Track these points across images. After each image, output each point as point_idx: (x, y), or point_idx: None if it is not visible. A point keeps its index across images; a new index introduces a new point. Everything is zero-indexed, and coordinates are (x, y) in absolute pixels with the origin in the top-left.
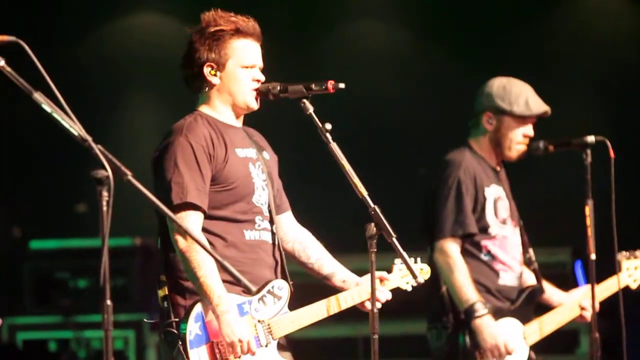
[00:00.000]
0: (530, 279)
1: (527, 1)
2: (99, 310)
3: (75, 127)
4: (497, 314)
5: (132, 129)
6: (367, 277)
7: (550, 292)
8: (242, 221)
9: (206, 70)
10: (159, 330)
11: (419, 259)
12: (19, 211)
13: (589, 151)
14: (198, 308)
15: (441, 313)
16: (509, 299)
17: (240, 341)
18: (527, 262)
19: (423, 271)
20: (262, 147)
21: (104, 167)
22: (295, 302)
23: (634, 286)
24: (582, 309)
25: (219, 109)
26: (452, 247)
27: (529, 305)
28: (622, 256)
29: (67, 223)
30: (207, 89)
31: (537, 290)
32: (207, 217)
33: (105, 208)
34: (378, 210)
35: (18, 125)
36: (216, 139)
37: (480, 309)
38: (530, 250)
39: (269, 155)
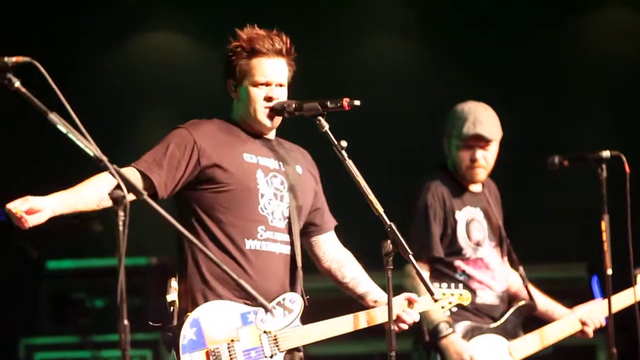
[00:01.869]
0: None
1: (541, 17)
2: (116, 330)
3: (90, 148)
4: (475, 331)
5: (148, 145)
6: (396, 297)
7: (550, 306)
8: (241, 228)
9: (228, 85)
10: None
11: (460, 285)
12: (35, 231)
13: (604, 166)
14: (195, 314)
15: (421, 333)
16: (490, 316)
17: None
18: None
19: (462, 297)
20: (293, 161)
21: (119, 188)
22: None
23: None
24: (584, 324)
25: (241, 120)
26: None
27: (516, 321)
28: (638, 271)
29: (83, 243)
30: (235, 100)
31: (527, 306)
32: (202, 221)
33: (121, 228)
34: (394, 227)
35: (37, 146)
36: (222, 137)
37: (444, 329)
38: (521, 268)
39: (302, 170)
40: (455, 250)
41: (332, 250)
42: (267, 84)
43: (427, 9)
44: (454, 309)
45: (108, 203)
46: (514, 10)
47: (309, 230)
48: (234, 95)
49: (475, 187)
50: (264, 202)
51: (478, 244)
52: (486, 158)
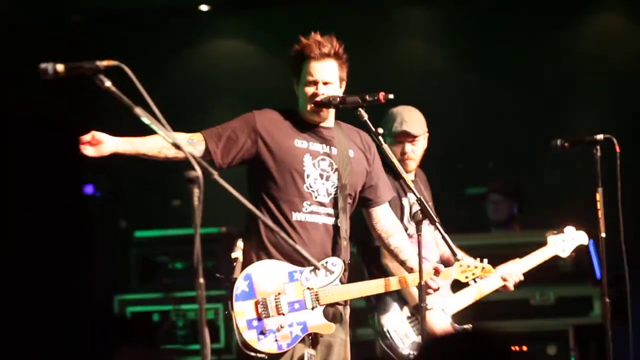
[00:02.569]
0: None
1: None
2: (193, 287)
3: (170, 135)
4: None
5: None
6: (426, 266)
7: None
8: (289, 203)
9: (293, 83)
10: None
11: (485, 260)
12: (126, 206)
13: (598, 147)
14: (249, 270)
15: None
16: None
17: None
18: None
19: (484, 270)
20: (346, 145)
21: (194, 169)
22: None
23: (564, 255)
24: (504, 280)
25: (300, 112)
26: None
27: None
28: (548, 234)
29: (166, 215)
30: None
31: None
32: (261, 196)
33: (196, 202)
34: (422, 199)
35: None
36: (280, 124)
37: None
38: (447, 236)
39: (354, 153)
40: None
41: (383, 221)
42: (315, 82)
43: (451, 15)
44: (477, 280)
45: (169, 152)
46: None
47: (365, 203)
48: (296, 91)
49: (410, 176)
50: (310, 181)
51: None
52: (414, 151)
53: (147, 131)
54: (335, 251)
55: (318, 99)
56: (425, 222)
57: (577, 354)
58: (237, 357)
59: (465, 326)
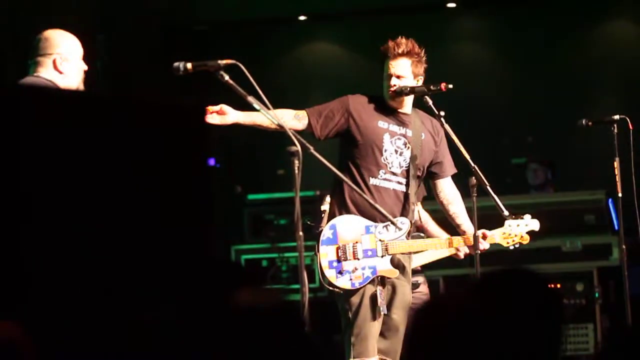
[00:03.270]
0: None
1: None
2: (294, 239)
3: (275, 119)
4: None
5: None
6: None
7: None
8: (368, 170)
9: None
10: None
11: (526, 224)
12: (239, 174)
13: (615, 125)
14: (334, 221)
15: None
16: None
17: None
18: None
19: (524, 238)
20: (420, 129)
21: (294, 144)
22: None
23: (505, 245)
24: (457, 250)
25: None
26: None
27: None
28: (507, 216)
29: (272, 182)
30: None
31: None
32: (347, 163)
33: (296, 171)
34: (477, 168)
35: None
36: (368, 108)
37: None
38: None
39: (425, 135)
40: None
41: (446, 191)
42: (391, 76)
43: (493, 22)
44: (516, 246)
45: (282, 122)
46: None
47: (432, 176)
48: (383, 84)
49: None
50: (386, 155)
51: None
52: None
53: None
54: (403, 213)
55: (392, 89)
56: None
57: (600, 290)
58: (329, 294)
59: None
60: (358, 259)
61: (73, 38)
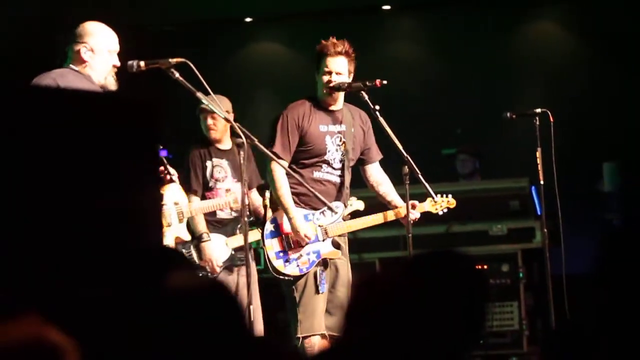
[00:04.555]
0: None
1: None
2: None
3: (222, 112)
4: None
5: (257, 119)
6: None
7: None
8: (313, 167)
9: (316, 74)
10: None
11: (450, 195)
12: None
13: (537, 118)
14: (274, 214)
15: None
16: None
17: (305, 235)
18: None
19: (450, 202)
20: (350, 123)
21: (239, 136)
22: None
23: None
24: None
25: (319, 97)
26: None
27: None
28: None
29: None
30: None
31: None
32: (297, 163)
33: (242, 161)
34: (409, 157)
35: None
36: (307, 116)
37: (205, 237)
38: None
39: (355, 128)
40: None
41: (375, 174)
42: (330, 72)
43: (427, 22)
44: (445, 210)
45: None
46: None
47: (361, 162)
48: (316, 79)
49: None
50: (329, 154)
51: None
52: (215, 125)
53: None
54: (338, 198)
55: (331, 85)
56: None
57: (524, 270)
58: (274, 278)
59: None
60: (302, 247)
61: (108, 32)
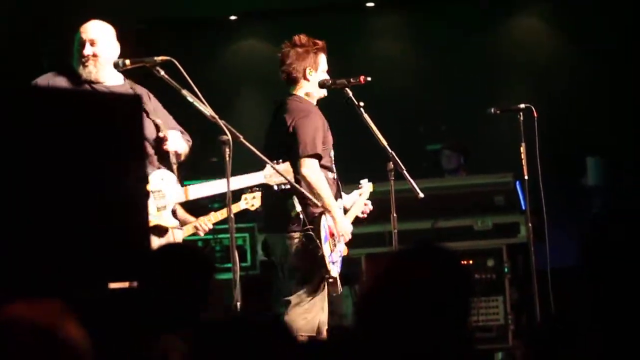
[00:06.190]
0: None
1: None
2: (227, 222)
3: (208, 110)
4: None
5: (242, 118)
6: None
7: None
8: (326, 168)
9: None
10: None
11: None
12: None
13: (521, 113)
14: (323, 220)
15: None
16: None
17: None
18: None
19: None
20: None
21: (225, 134)
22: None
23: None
24: (196, 228)
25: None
26: None
27: None
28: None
29: (206, 169)
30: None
31: None
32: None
33: (228, 159)
34: (394, 154)
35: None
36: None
37: None
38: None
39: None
40: None
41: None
42: (327, 71)
43: (410, 19)
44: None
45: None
46: None
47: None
48: (316, 79)
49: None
50: (333, 153)
51: None
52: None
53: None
54: (338, 196)
55: (328, 83)
56: None
57: (509, 265)
58: (260, 273)
59: None
60: (336, 247)
61: (83, 26)
